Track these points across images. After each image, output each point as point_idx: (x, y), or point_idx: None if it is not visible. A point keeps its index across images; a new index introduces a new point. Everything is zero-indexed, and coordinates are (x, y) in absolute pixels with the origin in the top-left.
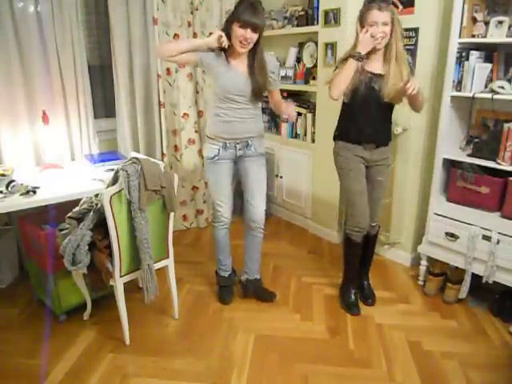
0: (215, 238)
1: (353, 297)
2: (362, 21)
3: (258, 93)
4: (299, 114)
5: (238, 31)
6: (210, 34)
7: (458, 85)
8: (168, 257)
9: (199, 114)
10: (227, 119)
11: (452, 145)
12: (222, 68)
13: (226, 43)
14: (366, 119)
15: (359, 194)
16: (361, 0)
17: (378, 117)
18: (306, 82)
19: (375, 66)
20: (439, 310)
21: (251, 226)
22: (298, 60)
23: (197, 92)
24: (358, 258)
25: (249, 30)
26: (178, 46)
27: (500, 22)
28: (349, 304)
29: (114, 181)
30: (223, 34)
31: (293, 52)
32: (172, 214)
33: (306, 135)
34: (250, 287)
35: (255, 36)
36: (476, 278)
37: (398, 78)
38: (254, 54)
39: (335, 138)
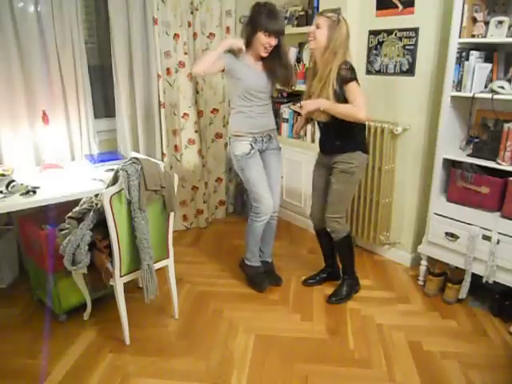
0: (254, 231)
1: (320, 275)
2: None
3: (286, 83)
4: (299, 114)
5: (263, 39)
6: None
7: (458, 85)
8: (168, 257)
9: (199, 113)
10: (251, 115)
11: (452, 145)
12: (245, 69)
13: (242, 53)
14: (320, 126)
15: (313, 191)
16: (361, 0)
17: (324, 125)
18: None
19: None
20: (439, 309)
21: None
22: (298, 60)
23: (197, 92)
24: (321, 244)
25: (273, 38)
26: (209, 57)
27: (500, 22)
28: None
29: (114, 181)
30: (243, 48)
31: (293, 52)
32: (172, 214)
33: (306, 135)
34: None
35: (277, 41)
36: (476, 277)
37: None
38: (274, 53)
39: None
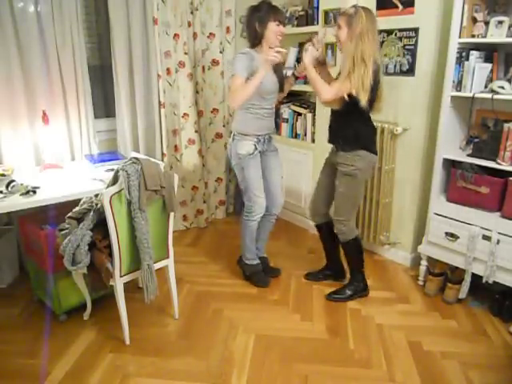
0: (249, 229)
1: (324, 272)
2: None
3: (282, 86)
4: (299, 114)
5: (275, 28)
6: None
7: (458, 85)
8: (168, 257)
9: (199, 113)
10: (259, 116)
11: (452, 145)
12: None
13: (278, 57)
14: (331, 117)
15: (316, 186)
16: (361, 0)
17: (334, 117)
18: (306, 82)
19: None
20: (439, 309)
21: (272, 212)
22: (298, 60)
23: (197, 92)
24: (322, 240)
25: (282, 26)
26: (247, 92)
27: (500, 22)
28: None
29: (114, 181)
30: (275, 54)
31: (293, 52)
32: (172, 214)
33: (305, 135)
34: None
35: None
36: (476, 277)
37: None
38: None
39: None
